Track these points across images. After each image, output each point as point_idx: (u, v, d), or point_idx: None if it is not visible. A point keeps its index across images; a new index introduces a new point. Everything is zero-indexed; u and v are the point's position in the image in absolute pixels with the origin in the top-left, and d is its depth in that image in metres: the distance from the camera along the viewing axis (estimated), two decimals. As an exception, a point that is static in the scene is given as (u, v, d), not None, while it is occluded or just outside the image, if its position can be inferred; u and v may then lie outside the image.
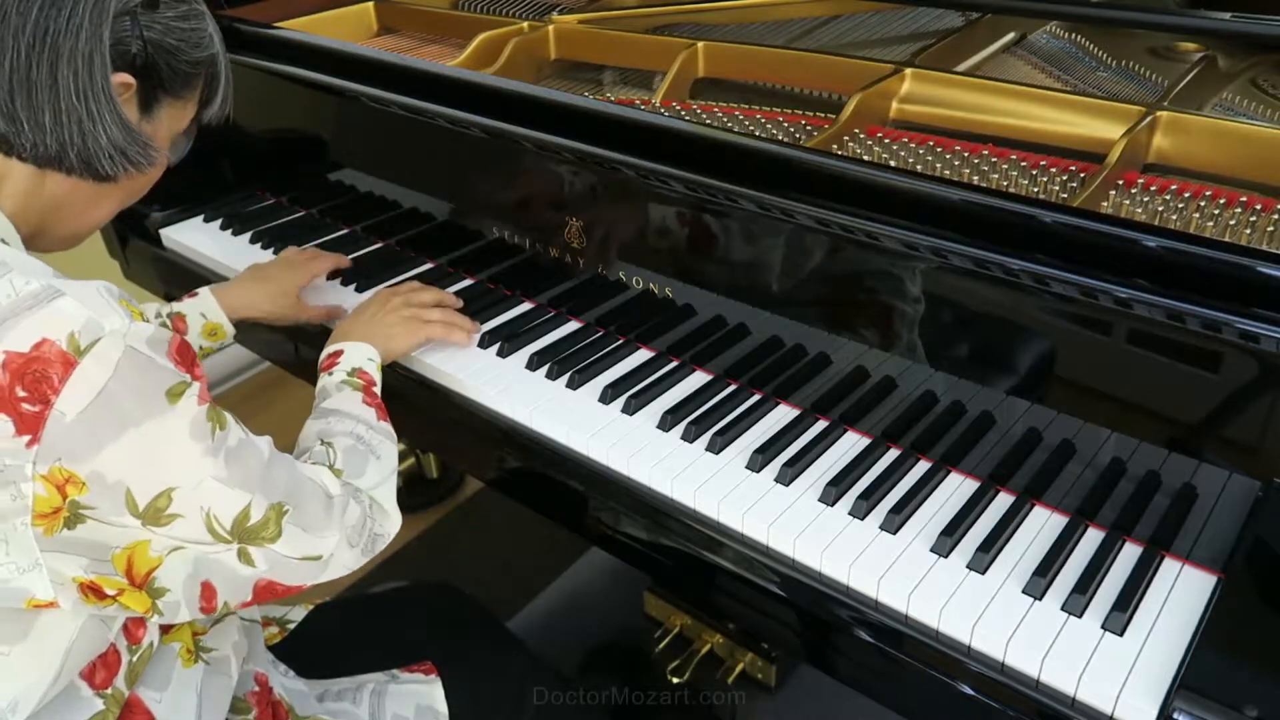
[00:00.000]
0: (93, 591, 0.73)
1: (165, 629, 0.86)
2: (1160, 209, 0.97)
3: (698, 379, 1.12)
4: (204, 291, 1.20)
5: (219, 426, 0.75)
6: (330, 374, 1.03)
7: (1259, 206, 0.95)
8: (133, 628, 0.81)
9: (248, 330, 1.24)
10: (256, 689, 0.95)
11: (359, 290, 1.33)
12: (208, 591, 0.78)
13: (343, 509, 0.85)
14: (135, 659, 0.81)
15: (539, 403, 1.09)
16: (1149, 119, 1.04)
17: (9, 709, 0.74)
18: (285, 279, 1.25)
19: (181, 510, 0.73)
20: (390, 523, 0.93)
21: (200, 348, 1.18)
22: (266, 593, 0.81)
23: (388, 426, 1.00)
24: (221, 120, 0.90)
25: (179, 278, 1.49)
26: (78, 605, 0.73)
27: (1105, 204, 0.97)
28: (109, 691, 0.79)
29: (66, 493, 0.68)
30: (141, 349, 0.70)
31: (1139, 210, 0.97)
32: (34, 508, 0.68)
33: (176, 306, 1.18)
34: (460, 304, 1.23)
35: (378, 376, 1.06)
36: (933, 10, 1.42)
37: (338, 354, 1.06)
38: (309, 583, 0.84)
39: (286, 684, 0.99)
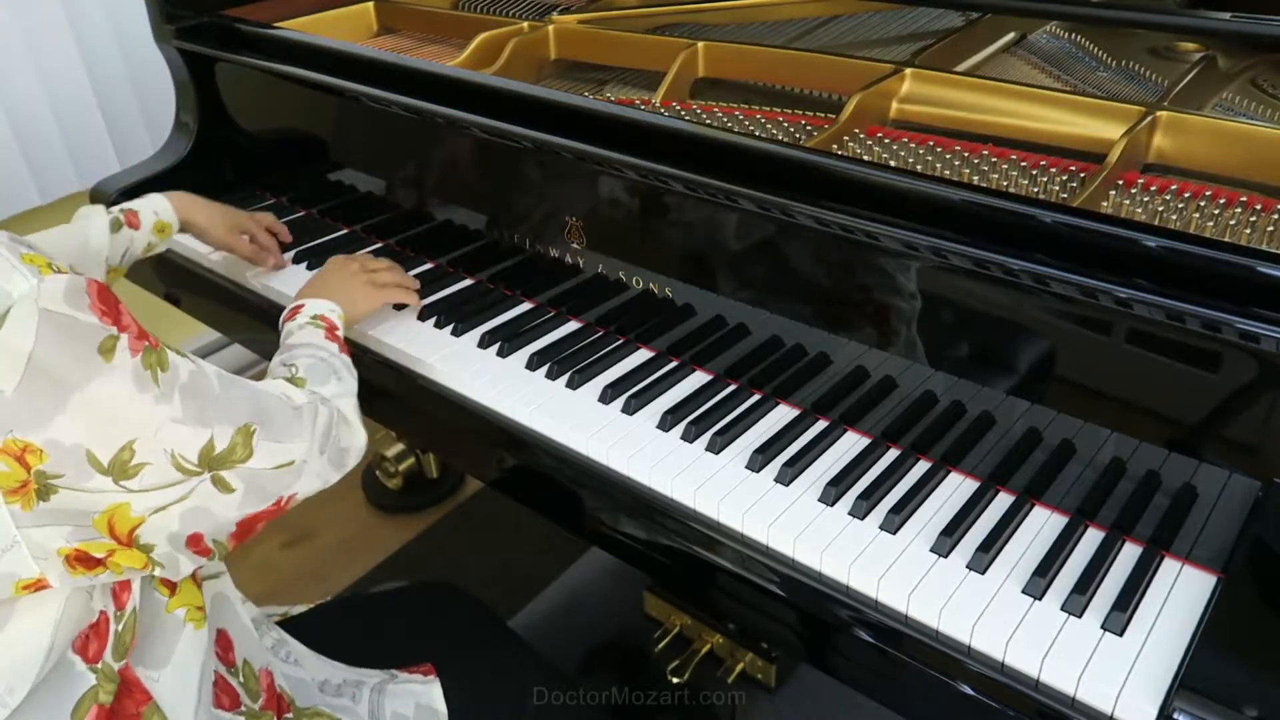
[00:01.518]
0: (80, 561, 0.72)
1: (169, 587, 0.83)
2: (1160, 209, 0.97)
3: (698, 379, 1.12)
4: (155, 194, 1.27)
5: (161, 369, 0.73)
6: (294, 320, 1.08)
7: (1259, 206, 0.95)
8: (118, 590, 0.78)
9: (248, 330, 1.23)
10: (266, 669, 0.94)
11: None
12: (194, 538, 0.78)
13: (313, 415, 0.87)
14: (121, 627, 0.79)
15: (539, 402, 1.09)
16: (1149, 119, 1.04)
17: (6, 691, 0.72)
18: (234, 215, 1.35)
19: (147, 458, 0.72)
20: (355, 436, 0.95)
21: (149, 243, 1.24)
22: (246, 529, 0.83)
23: (349, 360, 1.04)
24: None
25: (179, 278, 1.49)
26: (64, 579, 0.72)
27: (1105, 204, 0.97)
28: (99, 666, 0.77)
29: (28, 463, 0.67)
30: (60, 309, 0.67)
31: (1139, 210, 0.97)
32: (0, 484, 0.67)
33: (128, 204, 1.23)
34: (418, 285, 1.27)
35: (340, 325, 1.10)
36: (933, 10, 1.42)
37: (299, 308, 1.11)
38: (284, 495, 0.85)
39: (288, 671, 0.98)
